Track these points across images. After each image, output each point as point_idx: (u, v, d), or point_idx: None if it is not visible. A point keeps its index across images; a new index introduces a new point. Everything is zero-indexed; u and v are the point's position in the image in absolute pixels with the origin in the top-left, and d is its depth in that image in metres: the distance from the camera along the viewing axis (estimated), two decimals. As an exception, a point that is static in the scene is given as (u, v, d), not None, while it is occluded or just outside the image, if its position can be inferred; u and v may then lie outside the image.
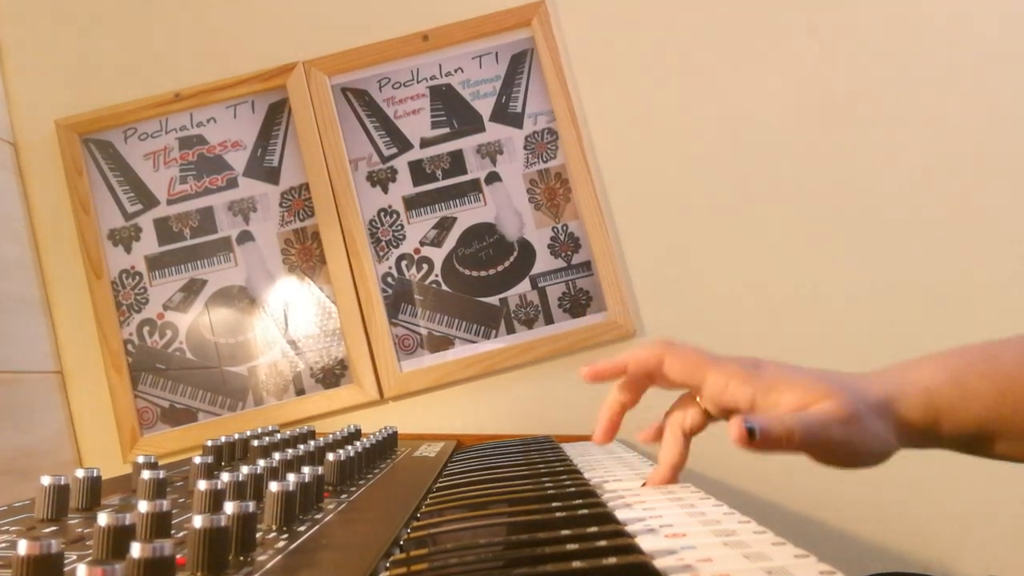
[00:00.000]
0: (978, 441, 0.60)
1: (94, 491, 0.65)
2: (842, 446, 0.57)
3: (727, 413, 0.62)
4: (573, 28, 1.43)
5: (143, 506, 0.48)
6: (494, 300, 1.38)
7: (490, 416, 1.35)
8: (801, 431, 0.55)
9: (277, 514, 0.55)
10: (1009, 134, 1.37)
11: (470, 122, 1.42)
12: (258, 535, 0.51)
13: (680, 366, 0.63)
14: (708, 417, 0.65)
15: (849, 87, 1.40)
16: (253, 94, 1.44)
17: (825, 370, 0.61)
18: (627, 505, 0.58)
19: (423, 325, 1.37)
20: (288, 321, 1.39)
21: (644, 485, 0.66)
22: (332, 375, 1.38)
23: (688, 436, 0.65)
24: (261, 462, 0.67)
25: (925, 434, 0.60)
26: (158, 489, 0.63)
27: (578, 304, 1.36)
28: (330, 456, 0.73)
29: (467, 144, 1.42)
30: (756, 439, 0.55)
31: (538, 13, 1.42)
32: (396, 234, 1.40)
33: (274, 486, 0.55)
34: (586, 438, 1.26)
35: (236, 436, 0.93)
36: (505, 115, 1.42)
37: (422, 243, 1.40)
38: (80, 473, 0.65)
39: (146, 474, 0.64)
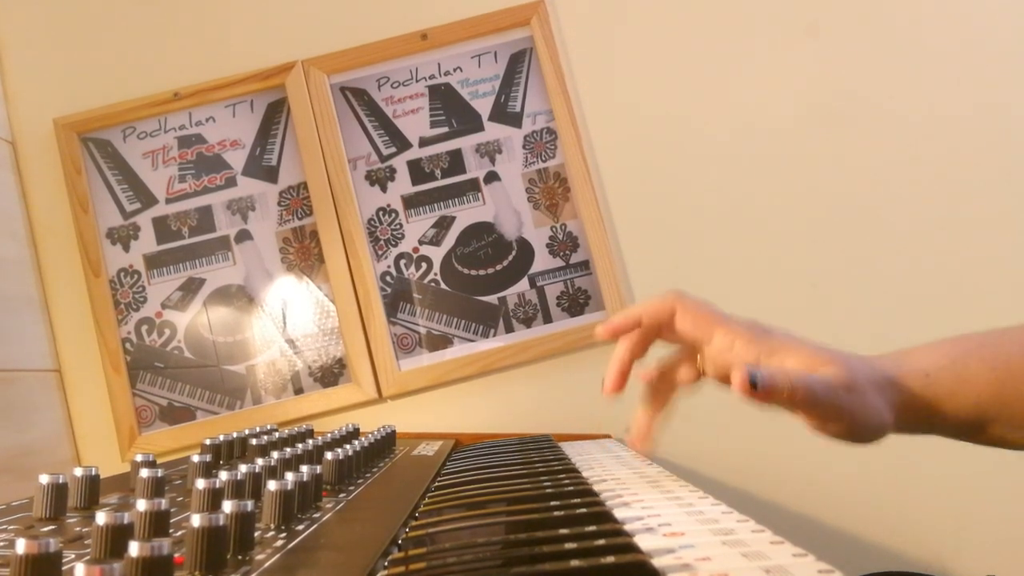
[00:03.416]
0: (975, 426, 0.60)
1: (92, 490, 0.65)
2: (841, 413, 0.57)
3: (726, 374, 0.62)
4: (572, 27, 1.43)
5: (141, 505, 0.48)
6: (493, 299, 1.38)
7: (488, 415, 1.35)
8: (804, 389, 0.56)
9: (275, 513, 0.55)
10: (1013, 132, 1.37)
11: (469, 121, 1.42)
12: (256, 534, 0.51)
13: (691, 319, 0.63)
14: (700, 375, 0.65)
15: (849, 86, 1.40)
16: (252, 93, 1.44)
17: (828, 346, 0.61)
18: (625, 504, 0.58)
19: (422, 324, 1.37)
20: (286, 320, 1.39)
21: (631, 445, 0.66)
22: (330, 374, 1.38)
23: (676, 386, 0.66)
24: (259, 461, 0.67)
25: (923, 417, 0.60)
26: (156, 488, 0.63)
27: (576, 303, 1.36)
28: (328, 455, 0.73)
29: (466, 143, 1.42)
30: (758, 388, 0.55)
31: (537, 12, 1.42)
32: (395, 233, 1.40)
33: (272, 485, 0.55)
34: (585, 437, 1.26)
35: (234, 435, 0.93)
36: (504, 114, 1.42)
37: (421, 242, 1.40)
38: (78, 472, 0.65)
39: (144, 473, 0.64)
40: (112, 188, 1.43)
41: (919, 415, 0.60)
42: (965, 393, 0.59)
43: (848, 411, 0.57)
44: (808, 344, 0.61)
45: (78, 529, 0.57)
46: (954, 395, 0.59)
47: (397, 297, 1.38)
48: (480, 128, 1.42)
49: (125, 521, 0.44)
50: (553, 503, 0.57)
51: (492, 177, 1.41)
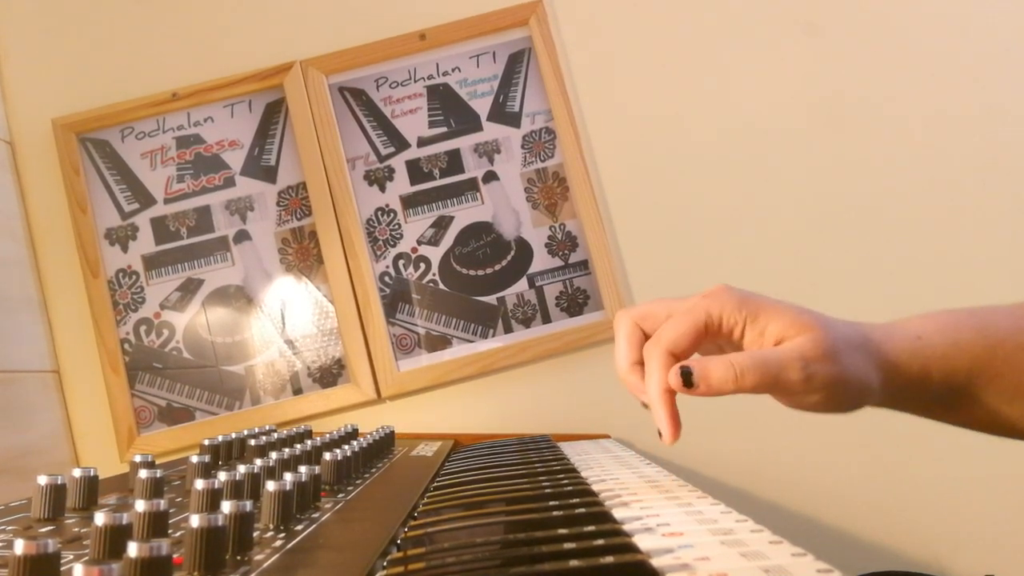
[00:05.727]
0: (965, 394, 0.59)
1: (91, 490, 0.65)
2: (806, 387, 0.55)
3: (717, 340, 0.60)
4: (571, 27, 1.43)
5: (140, 505, 0.48)
6: (491, 299, 1.38)
7: (487, 415, 1.35)
8: (755, 373, 0.54)
9: (274, 513, 0.54)
10: (1012, 132, 1.37)
11: (467, 121, 1.42)
12: (255, 534, 0.51)
13: (686, 322, 0.59)
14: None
15: (848, 87, 1.40)
16: (250, 93, 1.44)
17: (814, 310, 0.59)
18: (624, 504, 0.58)
19: (420, 324, 1.37)
20: (285, 320, 1.39)
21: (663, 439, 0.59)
22: (329, 374, 1.37)
23: (679, 358, 0.58)
24: (258, 461, 0.67)
25: (913, 381, 0.58)
26: (155, 488, 0.63)
27: (575, 303, 1.36)
28: (327, 455, 0.73)
29: (464, 143, 1.42)
30: (694, 384, 0.54)
31: (536, 12, 1.42)
32: (393, 233, 1.40)
33: (271, 485, 0.55)
34: (583, 437, 1.26)
35: (233, 435, 0.93)
36: (502, 114, 1.42)
37: (419, 242, 1.40)
38: (77, 472, 0.65)
39: (143, 473, 0.64)
40: (110, 188, 1.42)
41: (908, 379, 0.58)
42: (958, 356, 0.58)
43: (823, 381, 0.55)
44: (791, 308, 0.58)
45: (77, 530, 0.57)
46: (947, 358, 0.58)
47: (396, 297, 1.38)
48: (479, 128, 1.42)
49: (124, 522, 0.44)
50: (552, 503, 0.57)
51: (491, 177, 1.40)
